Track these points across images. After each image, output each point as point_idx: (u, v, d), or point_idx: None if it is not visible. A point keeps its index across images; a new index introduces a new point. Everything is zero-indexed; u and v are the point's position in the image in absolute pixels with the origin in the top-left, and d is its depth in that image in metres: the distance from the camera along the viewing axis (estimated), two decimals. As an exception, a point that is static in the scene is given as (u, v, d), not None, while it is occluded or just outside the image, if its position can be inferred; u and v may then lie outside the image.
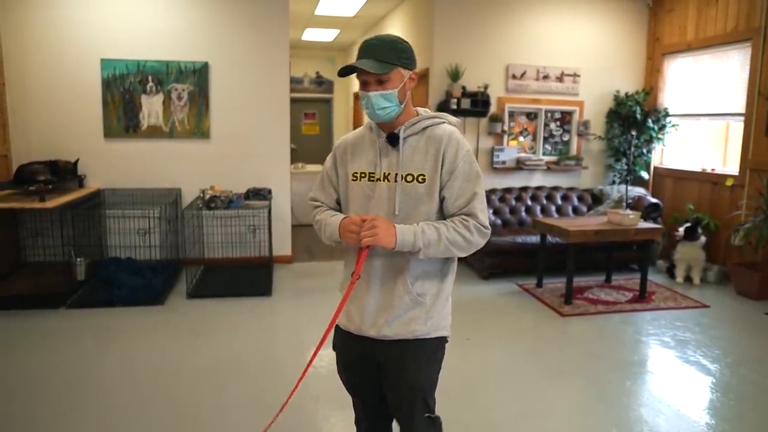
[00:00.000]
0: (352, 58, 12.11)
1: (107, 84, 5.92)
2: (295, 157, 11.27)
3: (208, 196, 5.29)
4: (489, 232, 1.88)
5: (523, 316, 4.97)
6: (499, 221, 6.48)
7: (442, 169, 1.84)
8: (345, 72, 1.82)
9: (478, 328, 4.61)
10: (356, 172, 1.93)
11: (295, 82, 12.66)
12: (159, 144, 6.14)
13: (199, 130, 6.19)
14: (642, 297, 5.45)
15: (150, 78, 6.02)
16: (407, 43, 1.86)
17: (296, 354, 4.10)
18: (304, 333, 4.56)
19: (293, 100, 12.67)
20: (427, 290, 1.90)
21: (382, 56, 1.79)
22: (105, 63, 5.87)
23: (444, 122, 1.92)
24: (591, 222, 5.51)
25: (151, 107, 6.08)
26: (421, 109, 1.94)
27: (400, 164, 1.86)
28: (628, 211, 5.39)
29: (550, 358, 4.09)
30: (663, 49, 7.00)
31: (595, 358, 4.07)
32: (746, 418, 3.28)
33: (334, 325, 2.00)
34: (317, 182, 2.09)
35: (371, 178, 1.89)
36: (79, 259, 5.16)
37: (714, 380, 3.77)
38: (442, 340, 1.97)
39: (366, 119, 1.98)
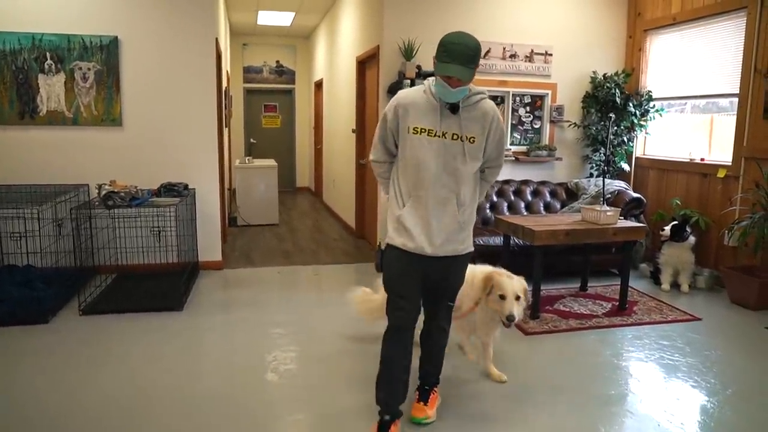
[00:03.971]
0: (316, 46, 11.21)
1: (-5, 61, 5.01)
2: (256, 152, 10.41)
3: (104, 192, 4.40)
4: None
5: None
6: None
7: (488, 136, 2.53)
8: (442, 68, 2.36)
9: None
10: (417, 127, 2.47)
11: (253, 72, 11.79)
12: (62, 132, 5.24)
13: (108, 116, 5.29)
14: (622, 309, 4.64)
15: (48, 55, 5.12)
16: (479, 42, 2.39)
17: (185, 384, 3.21)
18: (207, 359, 3.69)
19: (252, 91, 11.89)
20: (467, 220, 2.61)
21: (470, 63, 2.34)
22: (-8, 36, 4.96)
23: (486, 97, 2.54)
24: (562, 221, 4.69)
25: (51, 89, 5.18)
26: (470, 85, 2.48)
27: (462, 127, 2.47)
28: (606, 208, 4.57)
29: (503, 394, 3.24)
30: (645, 24, 6.20)
31: (561, 393, 3.23)
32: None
33: (387, 245, 2.64)
34: (377, 135, 2.64)
35: (431, 134, 2.46)
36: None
37: (713, 423, 2.95)
38: (470, 254, 2.71)
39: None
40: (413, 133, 2.47)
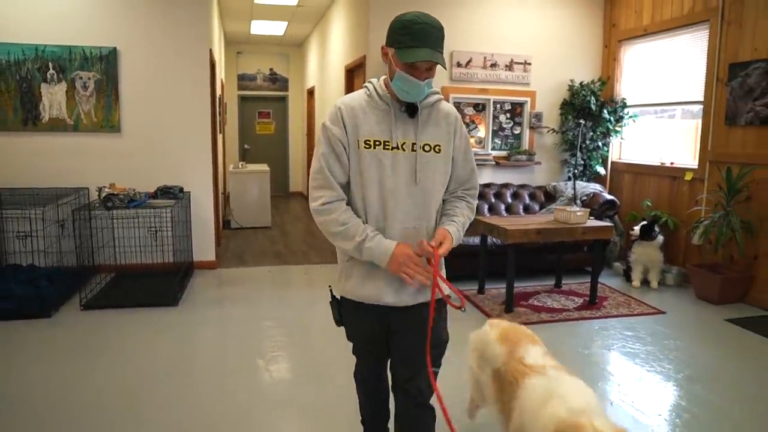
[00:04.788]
0: (308, 54, 11.47)
1: (0, 71, 5.29)
2: (250, 158, 10.69)
3: (104, 195, 4.68)
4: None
5: (453, 328, 4.41)
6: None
7: (454, 142, 1.99)
8: (407, 55, 1.79)
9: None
10: (369, 140, 1.89)
11: (247, 79, 12.09)
12: (63, 138, 5.51)
13: (108, 123, 5.57)
14: (592, 303, 4.93)
15: (50, 65, 5.40)
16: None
17: (178, 372, 3.49)
18: (201, 350, 3.97)
19: (246, 98, 12.19)
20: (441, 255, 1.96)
21: (440, 46, 1.82)
22: (-3, 47, 5.25)
23: (442, 98, 2.03)
24: (535, 221, 4.98)
25: (53, 97, 5.46)
26: None
27: (419, 133, 1.92)
28: (575, 208, 4.87)
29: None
30: (620, 35, 6.52)
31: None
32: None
33: (340, 300, 2.11)
34: (321, 159, 1.91)
35: (387, 146, 1.89)
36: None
37: (662, 401, 3.24)
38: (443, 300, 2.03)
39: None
40: (365, 147, 1.88)
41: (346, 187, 1.93)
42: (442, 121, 1.97)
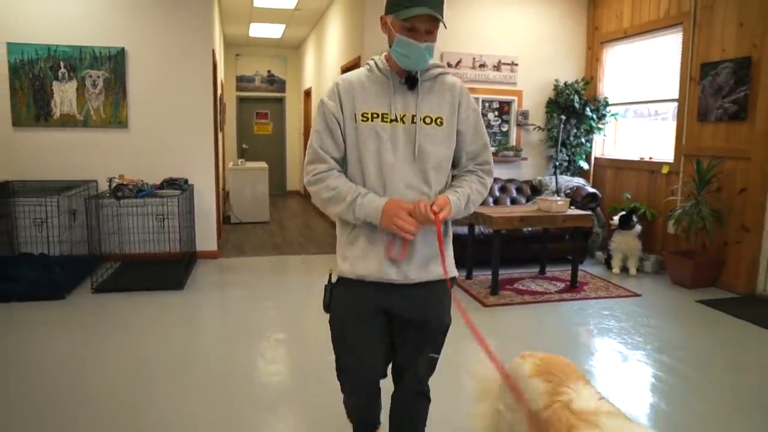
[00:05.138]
0: (305, 56, 11.82)
1: (15, 69, 5.59)
2: (248, 157, 10.99)
3: (114, 185, 4.98)
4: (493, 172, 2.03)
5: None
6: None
7: (458, 115, 1.90)
8: (405, 12, 1.73)
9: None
10: (366, 113, 1.85)
11: (246, 81, 12.40)
12: (73, 133, 5.81)
13: (115, 119, 5.88)
14: (573, 287, 5.25)
15: (62, 64, 5.70)
16: None
17: (183, 349, 3.80)
18: (205, 327, 4.27)
19: (244, 99, 12.50)
20: (446, 231, 1.95)
21: (439, 6, 1.73)
22: (12, 47, 5.55)
23: (449, 72, 1.97)
24: (519, 209, 5.31)
25: (64, 95, 5.76)
26: None
27: (420, 105, 1.86)
28: (557, 198, 5.20)
29: (457, 349, 3.85)
30: (602, 37, 6.87)
31: (505, 351, 3.84)
32: (658, 408, 3.06)
33: (345, 279, 1.97)
34: (315, 135, 1.90)
35: (385, 119, 1.84)
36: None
37: (632, 368, 3.56)
38: (454, 279, 1.98)
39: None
40: (362, 120, 1.84)
41: (341, 162, 1.91)
42: (446, 93, 1.89)
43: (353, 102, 1.86)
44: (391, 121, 1.85)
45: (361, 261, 1.89)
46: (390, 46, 1.85)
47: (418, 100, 1.86)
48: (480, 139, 1.98)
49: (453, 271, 1.97)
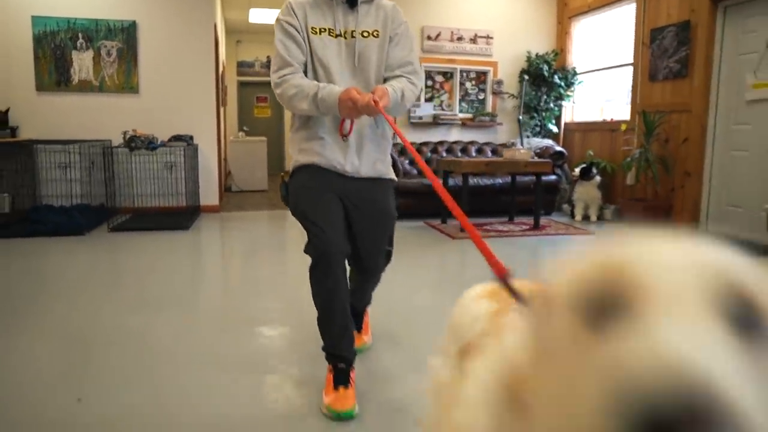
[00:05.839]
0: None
1: (38, 40, 6.27)
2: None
3: (129, 137, 5.65)
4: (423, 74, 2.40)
5: (418, 242, 5.39)
6: (414, 171, 6.91)
7: (391, 29, 2.20)
8: None
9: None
10: (314, 27, 2.13)
11: (246, 66, 13.05)
12: (90, 97, 6.49)
13: (128, 85, 6.55)
14: (536, 227, 5.89)
15: (80, 35, 6.38)
16: None
17: (189, 279, 4.46)
18: (209, 259, 4.93)
19: (245, 84, 13.17)
20: (384, 134, 2.26)
21: None
22: (36, 20, 6.23)
23: None
24: (486, 158, 5.96)
25: (82, 63, 6.44)
26: None
27: (358, 23, 2.17)
28: (520, 147, 5.85)
29: (423, 264, 4.52)
30: (570, 12, 7.52)
31: (464, 274, 4.49)
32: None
33: (294, 169, 2.23)
34: (279, 45, 2.12)
35: (331, 33, 2.14)
36: (4, 195, 5.47)
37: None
38: (394, 183, 2.33)
39: None
40: (313, 33, 2.14)
41: (305, 66, 2.15)
42: (380, 11, 2.20)
43: (305, 18, 2.13)
44: (336, 35, 2.15)
45: (318, 156, 2.16)
46: None
47: (358, 19, 2.16)
48: (407, 47, 2.25)
49: (392, 173, 2.33)
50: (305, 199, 2.14)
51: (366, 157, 2.19)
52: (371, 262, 2.32)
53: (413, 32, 2.39)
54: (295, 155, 2.23)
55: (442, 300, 3.33)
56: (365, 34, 2.18)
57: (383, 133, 2.26)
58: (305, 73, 2.15)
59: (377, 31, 2.19)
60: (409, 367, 2.42)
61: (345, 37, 2.17)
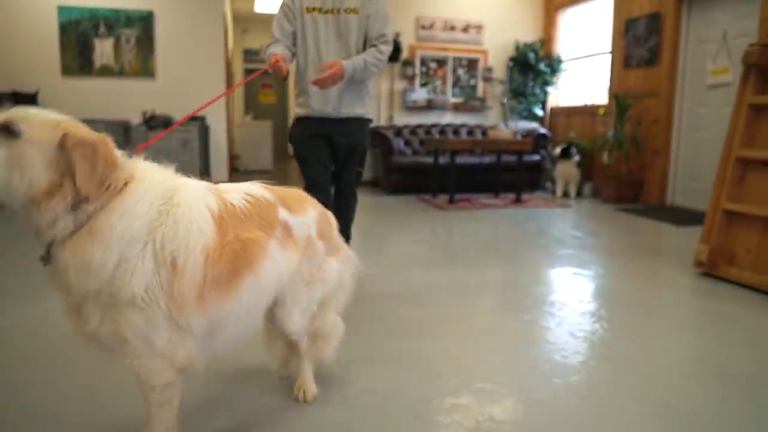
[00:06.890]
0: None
1: (63, 28, 6.84)
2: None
3: (148, 116, 6.23)
4: (392, 42, 2.94)
5: (411, 212, 5.97)
6: (409, 150, 7.48)
7: (367, 8, 2.83)
8: None
9: (377, 217, 5.58)
10: (308, 6, 2.81)
11: (252, 54, 13.59)
12: (111, 82, 7.06)
13: (145, 70, 7.12)
14: (518, 201, 6.46)
15: (102, 24, 6.95)
16: None
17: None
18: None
19: (251, 71, 13.68)
20: (362, 87, 2.94)
21: None
22: (61, 9, 6.79)
23: None
24: (472, 138, 6.52)
25: (103, 50, 7.01)
26: None
27: (343, 1, 2.82)
28: (504, 127, 6.41)
29: (414, 228, 5.10)
30: (556, 3, 8.05)
31: (446, 233, 5.07)
32: (571, 258, 4.29)
33: (299, 118, 2.96)
34: (275, 21, 2.85)
35: (321, 11, 2.80)
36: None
37: (549, 241, 4.79)
38: (370, 122, 3.07)
39: None
40: (307, 12, 2.80)
41: (293, 35, 2.85)
42: None
43: (301, 1, 2.86)
44: (325, 12, 2.82)
45: (307, 108, 2.89)
46: None
47: None
48: (381, 22, 2.86)
49: (369, 113, 3.06)
50: (301, 149, 2.94)
51: (345, 102, 2.88)
52: (347, 182, 3.03)
53: (389, 12, 2.94)
54: (295, 108, 2.99)
55: (433, 257, 3.93)
56: (347, 10, 2.85)
57: (360, 83, 2.91)
58: (297, 45, 2.87)
59: (357, 8, 2.85)
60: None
61: (332, 13, 2.84)
